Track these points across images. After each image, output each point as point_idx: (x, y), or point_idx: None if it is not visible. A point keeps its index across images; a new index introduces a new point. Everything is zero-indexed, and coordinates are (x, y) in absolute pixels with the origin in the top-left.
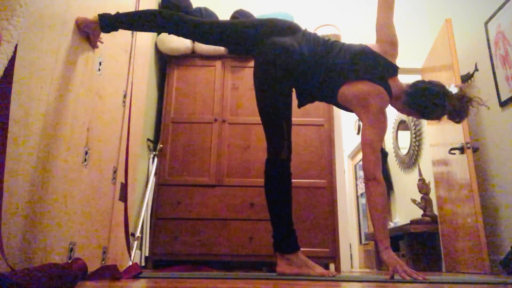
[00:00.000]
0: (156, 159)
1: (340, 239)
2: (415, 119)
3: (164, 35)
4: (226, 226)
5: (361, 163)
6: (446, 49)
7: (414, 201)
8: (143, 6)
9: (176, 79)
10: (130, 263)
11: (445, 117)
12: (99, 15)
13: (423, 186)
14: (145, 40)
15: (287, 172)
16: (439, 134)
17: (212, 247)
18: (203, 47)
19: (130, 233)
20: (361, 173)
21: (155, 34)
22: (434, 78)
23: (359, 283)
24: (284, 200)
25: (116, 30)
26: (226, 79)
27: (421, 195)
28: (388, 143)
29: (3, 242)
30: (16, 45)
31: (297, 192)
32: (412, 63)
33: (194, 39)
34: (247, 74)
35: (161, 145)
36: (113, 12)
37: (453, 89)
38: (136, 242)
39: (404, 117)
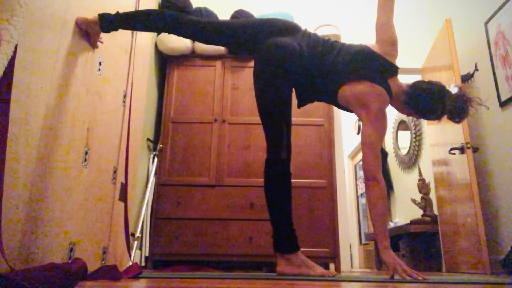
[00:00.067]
0: (156, 159)
1: (340, 239)
2: (415, 119)
3: (164, 35)
4: (226, 226)
5: (361, 163)
6: (446, 49)
7: (414, 201)
8: (143, 6)
9: (176, 79)
10: (130, 263)
11: (445, 117)
12: (99, 15)
13: (423, 186)
14: (145, 40)
15: (287, 172)
16: (439, 134)
17: (212, 247)
18: (203, 47)
19: (130, 233)
20: (361, 173)
21: (155, 34)
22: (434, 78)
23: (359, 283)
24: (284, 200)
25: (116, 30)
26: (226, 79)
27: (421, 195)
28: (388, 143)
29: (3, 242)
30: (16, 45)
31: (297, 192)
32: (412, 63)
33: (194, 39)
34: (247, 74)
35: (161, 145)
36: (113, 12)
37: (453, 89)
38: (136, 242)
39: (404, 117)
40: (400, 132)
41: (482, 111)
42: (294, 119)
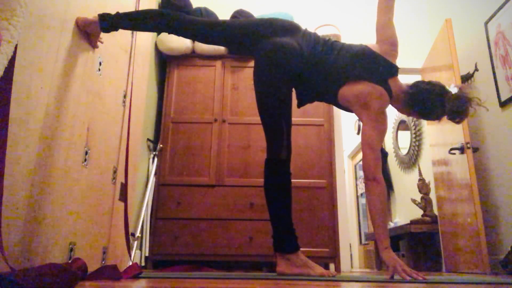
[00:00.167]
0: (156, 159)
1: (340, 239)
2: (415, 119)
3: (164, 35)
4: (226, 226)
5: (361, 163)
6: (446, 49)
7: (414, 201)
8: (143, 6)
9: (176, 79)
10: (130, 263)
11: (445, 117)
12: (99, 15)
13: (423, 186)
14: (145, 40)
15: (287, 172)
16: (439, 134)
17: (212, 247)
18: (203, 47)
19: (130, 233)
20: (361, 173)
21: (155, 34)
22: (434, 78)
23: (359, 283)
24: (284, 200)
25: (116, 30)
26: (226, 79)
27: (421, 195)
28: (388, 143)
29: (3, 242)
30: (16, 45)
31: (297, 192)
32: (412, 63)
33: (194, 39)
34: (247, 74)
35: (161, 145)
36: (113, 12)
37: (453, 89)
38: (136, 242)
39: (404, 117)
40: (400, 132)
41: (482, 111)
42: (294, 119)
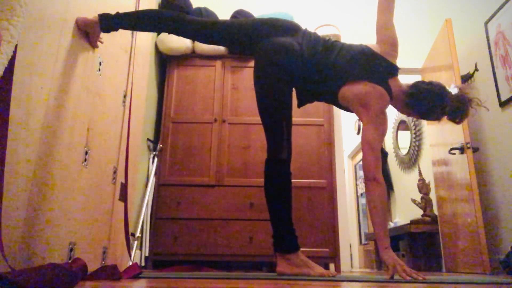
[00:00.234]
0: (156, 159)
1: (340, 239)
2: (415, 119)
3: (164, 35)
4: (226, 226)
5: (361, 163)
6: (446, 49)
7: (414, 201)
8: (143, 6)
9: (176, 79)
10: (130, 263)
11: (445, 117)
12: (99, 15)
13: (423, 186)
14: (145, 40)
15: (287, 172)
16: (439, 134)
17: (212, 247)
18: (203, 47)
19: (130, 233)
20: (361, 173)
21: (155, 34)
22: (434, 78)
23: (359, 283)
24: (284, 200)
25: (116, 30)
26: (226, 79)
27: (421, 195)
28: (388, 143)
29: (3, 242)
30: (16, 45)
31: (297, 192)
32: (412, 63)
33: (194, 39)
34: (247, 74)
35: (161, 145)
36: (113, 12)
37: (453, 90)
38: (136, 242)
39: (404, 117)
40: (400, 132)
41: (482, 111)
42: (294, 119)
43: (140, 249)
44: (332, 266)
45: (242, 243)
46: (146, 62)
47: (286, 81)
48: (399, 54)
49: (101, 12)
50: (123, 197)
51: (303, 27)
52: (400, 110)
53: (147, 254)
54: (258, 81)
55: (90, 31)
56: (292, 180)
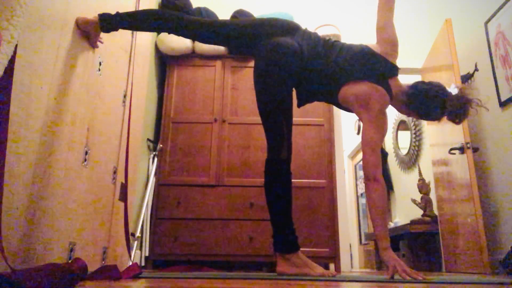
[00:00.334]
0: (156, 159)
1: (340, 239)
2: (415, 119)
3: (164, 35)
4: (226, 226)
5: (361, 163)
6: (446, 49)
7: (414, 201)
8: (143, 6)
9: (176, 79)
10: (130, 263)
11: (445, 117)
12: (99, 15)
13: (423, 186)
14: (145, 40)
15: (287, 172)
16: (439, 134)
17: (212, 247)
18: (203, 47)
19: (130, 233)
20: (361, 173)
21: (155, 34)
22: (434, 78)
23: (359, 283)
24: (284, 200)
25: (116, 30)
26: (226, 79)
27: (421, 195)
28: (388, 143)
29: (3, 242)
30: (16, 45)
31: (297, 192)
32: (412, 63)
33: (194, 39)
34: (247, 74)
35: (161, 145)
36: (113, 12)
37: (453, 90)
38: (136, 242)
39: (404, 117)
40: (400, 132)
41: (482, 111)
42: (294, 119)
43: (140, 249)
44: (332, 266)
45: (242, 243)
46: (146, 62)
47: (286, 81)
48: (399, 54)
49: (101, 12)
50: (123, 197)
51: (303, 27)
52: (400, 110)
53: (147, 254)
54: (258, 81)
55: (90, 31)
56: (292, 180)
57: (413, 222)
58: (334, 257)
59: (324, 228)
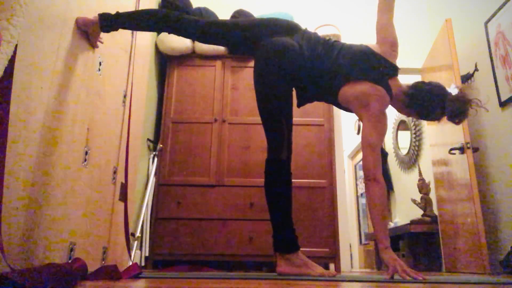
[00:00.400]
0: (156, 159)
1: (340, 239)
2: (415, 119)
3: (164, 35)
4: (226, 226)
5: (361, 163)
6: (446, 49)
7: (414, 201)
8: (143, 6)
9: (176, 79)
10: (130, 263)
11: (445, 117)
12: (99, 14)
13: (423, 186)
14: (145, 40)
15: (287, 172)
16: (439, 134)
17: (212, 247)
18: (203, 47)
19: (130, 233)
20: (361, 173)
21: (155, 34)
22: (434, 78)
23: (359, 283)
24: (284, 200)
25: (116, 30)
26: (226, 79)
27: (421, 195)
28: (388, 143)
29: (3, 242)
30: (16, 45)
31: (297, 192)
32: (412, 63)
33: (194, 39)
34: (247, 74)
35: (161, 145)
36: (113, 12)
37: (453, 90)
38: (136, 242)
39: (404, 117)
40: (400, 132)
41: (482, 111)
42: (294, 119)
43: (140, 249)
44: (332, 266)
45: (242, 243)
46: (146, 62)
47: (286, 81)
48: (399, 54)
49: (101, 12)
50: (123, 197)
51: (303, 27)
52: (399, 110)
53: (147, 254)
54: (258, 81)
55: (90, 31)
56: (292, 180)
57: (413, 222)
58: (334, 257)
59: (324, 228)
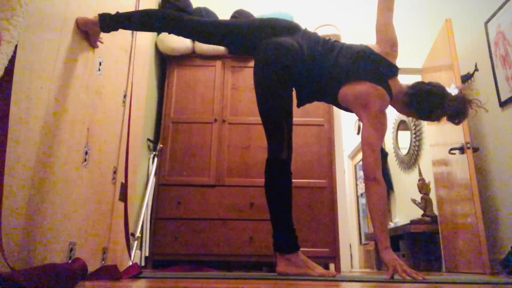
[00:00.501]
0: (156, 159)
1: (340, 239)
2: (415, 119)
3: (164, 35)
4: (226, 226)
5: (361, 163)
6: (446, 49)
7: (414, 201)
8: (143, 6)
9: (176, 79)
10: (130, 263)
11: (445, 118)
12: (99, 14)
13: (423, 186)
14: (145, 40)
15: (288, 172)
16: (439, 134)
17: (212, 247)
18: (203, 47)
19: (130, 233)
20: (361, 173)
21: (155, 34)
22: (434, 78)
23: (359, 283)
24: (284, 200)
25: (116, 30)
26: (226, 79)
27: (421, 195)
28: (388, 143)
29: (3, 242)
30: (16, 45)
31: (297, 192)
32: (412, 63)
33: (194, 39)
34: (247, 74)
35: (161, 145)
36: (113, 12)
37: (453, 90)
38: (136, 242)
39: (404, 117)
40: (400, 132)
41: (482, 111)
42: (294, 119)
43: (140, 249)
44: (332, 266)
45: (242, 243)
46: (146, 62)
47: (286, 81)
48: (399, 54)
49: (101, 12)
50: (123, 197)
51: (303, 27)
52: (399, 110)
53: (147, 254)
54: (258, 81)
55: (90, 31)
56: (292, 180)
57: (413, 222)
58: (334, 257)
59: (324, 228)
